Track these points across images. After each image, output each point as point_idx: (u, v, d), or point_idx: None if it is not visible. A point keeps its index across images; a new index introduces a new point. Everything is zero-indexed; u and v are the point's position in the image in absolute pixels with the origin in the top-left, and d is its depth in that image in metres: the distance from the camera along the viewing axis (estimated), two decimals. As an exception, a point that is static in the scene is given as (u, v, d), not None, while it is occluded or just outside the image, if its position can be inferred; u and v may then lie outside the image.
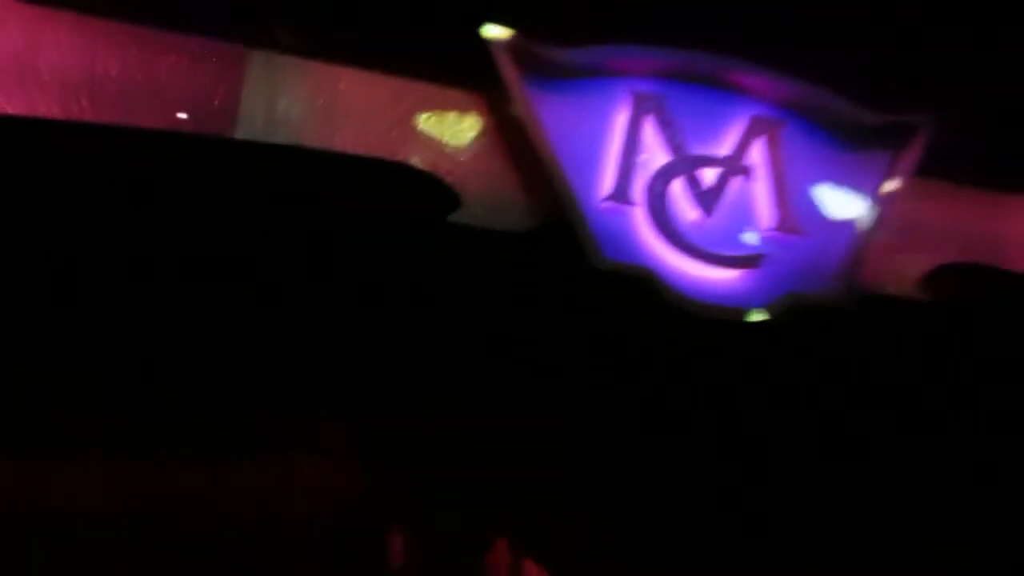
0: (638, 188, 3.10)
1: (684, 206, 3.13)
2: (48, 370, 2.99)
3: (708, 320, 3.08)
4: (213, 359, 3.13)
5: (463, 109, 3.12)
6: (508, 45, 3.03)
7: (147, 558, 3.09)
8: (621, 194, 3.09)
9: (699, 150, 3.15)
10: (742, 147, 3.17)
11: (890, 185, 3.20)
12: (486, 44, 3.03)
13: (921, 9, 3.15)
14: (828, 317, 3.14)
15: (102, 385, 3.02)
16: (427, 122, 3.10)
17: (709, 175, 3.16)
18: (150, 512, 3.13)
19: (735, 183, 3.17)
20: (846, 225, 3.20)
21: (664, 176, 3.12)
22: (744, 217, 3.17)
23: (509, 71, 3.03)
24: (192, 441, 3.11)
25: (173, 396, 3.09)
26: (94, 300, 2.99)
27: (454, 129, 3.10)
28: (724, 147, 3.17)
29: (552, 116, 3.07)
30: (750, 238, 3.16)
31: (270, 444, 3.19)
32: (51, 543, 2.97)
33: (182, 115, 2.87)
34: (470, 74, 3.11)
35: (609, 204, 3.08)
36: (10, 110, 2.57)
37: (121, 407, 3.04)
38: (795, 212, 3.18)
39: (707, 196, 3.15)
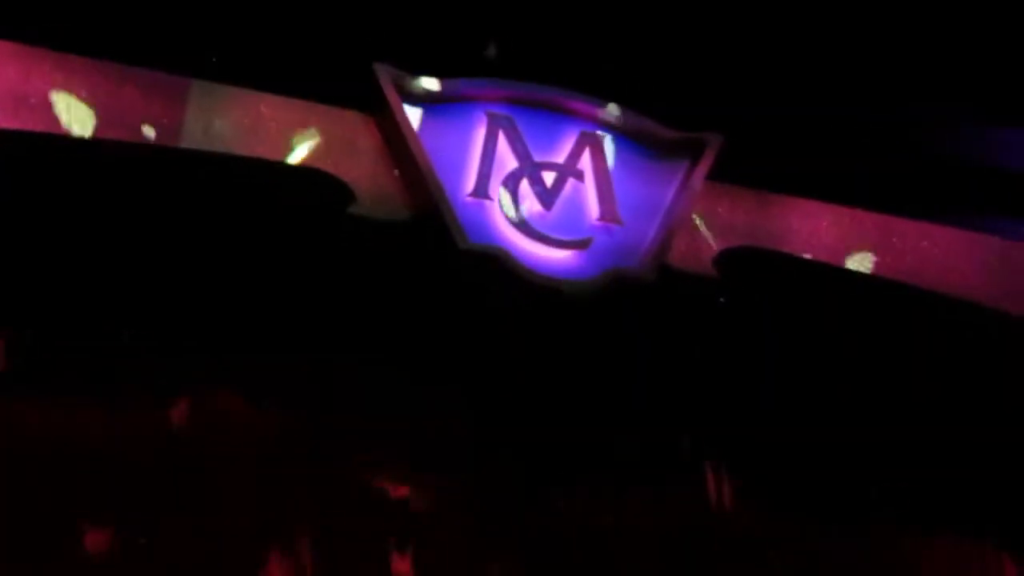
0: (494, 187, 4.04)
1: (529, 201, 4.06)
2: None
3: (548, 288, 4.02)
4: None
5: (358, 127, 4.05)
6: (392, 78, 3.96)
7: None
8: (481, 191, 4.03)
9: (541, 158, 4.09)
10: (574, 156, 4.11)
11: (689, 186, 4.18)
12: (376, 77, 3.96)
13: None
14: (640, 288, 4.09)
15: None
16: (330, 137, 4.01)
17: (549, 177, 4.08)
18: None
19: (569, 183, 4.09)
20: (654, 217, 4.16)
21: (514, 178, 4.05)
22: (576, 210, 4.09)
23: (393, 98, 3.96)
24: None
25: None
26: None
27: (350, 143, 4.02)
28: (560, 156, 4.11)
29: (426, 132, 3.99)
30: (580, 226, 4.10)
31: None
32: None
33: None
34: (364, 100, 4.04)
35: (471, 199, 4.01)
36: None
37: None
38: (615, 206, 4.12)
39: (547, 193, 4.06)
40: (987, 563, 4.62)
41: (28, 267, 3.57)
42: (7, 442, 3.64)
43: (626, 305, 4.08)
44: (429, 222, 3.95)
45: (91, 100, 3.67)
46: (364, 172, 3.99)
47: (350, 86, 3.99)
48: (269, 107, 3.97)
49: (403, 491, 4.07)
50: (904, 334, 4.18)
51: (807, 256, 4.23)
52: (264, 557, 3.64)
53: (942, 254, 4.39)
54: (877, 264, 4.30)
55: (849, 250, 4.28)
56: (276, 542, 3.68)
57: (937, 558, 4.63)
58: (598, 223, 4.10)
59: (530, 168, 4.07)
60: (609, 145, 4.16)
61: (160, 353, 3.73)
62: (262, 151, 3.93)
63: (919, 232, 4.42)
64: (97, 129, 3.68)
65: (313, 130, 3.91)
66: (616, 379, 4.17)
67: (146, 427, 3.89)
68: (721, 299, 4.21)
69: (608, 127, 4.13)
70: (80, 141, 3.76)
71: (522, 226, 4.03)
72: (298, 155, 3.91)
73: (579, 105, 4.12)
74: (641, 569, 4.07)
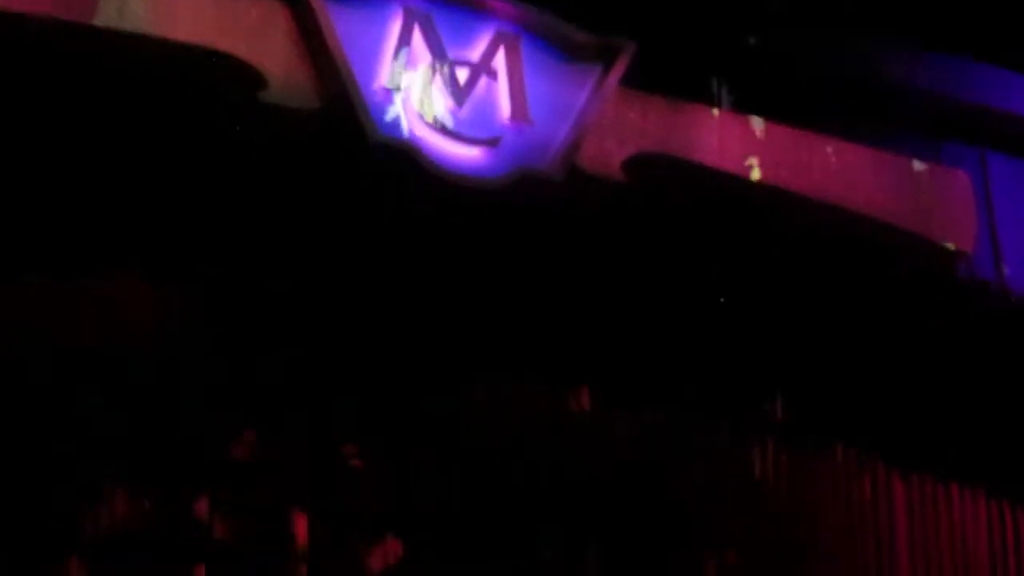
0: (406, 81, 4.09)
1: (441, 97, 4.12)
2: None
3: (456, 186, 4.10)
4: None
5: (274, 15, 4.05)
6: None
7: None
8: (393, 85, 4.07)
9: (455, 55, 4.13)
10: (488, 54, 4.13)
11: (601, 90, 4.23)
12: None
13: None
14: (549, 187, 4.18)
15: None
16: (244, 24, 4.02)
17: (462, 74, 4.12)
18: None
19: (482, 82, 4.13)
20: (566, 119, 4.22)
21: (426, 73, 4.10)
22: (487, 108, 4.13)
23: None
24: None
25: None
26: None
27: (263, 30, 4.03)
28: (475, 54, 4.15)
29: (342, 25, 3.99)
30: (491, 125, 4.16)
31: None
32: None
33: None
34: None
35: (382, 92, 4.06)
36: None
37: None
38: (527, 106, 4.18)
39: (460, 91, 4.11)
40: (877, 480, 4.87)
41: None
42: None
43: (533, 203, 4.18)
44: (339, 113, 3.99)
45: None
46: (277, 60, 4.00)
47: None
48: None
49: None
50: (802, 247, 4.32)
51: (713, 166, 4.32)
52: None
53: (850, 171, 4.49)
54: (783, 179, 4.39)
55: (756, 162, 4.37)
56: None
57: (827, 476, 4.86)
58: (509, 122, 4.17)
59: (444, 64, 4.11)
60: (524, 46, 4.19)
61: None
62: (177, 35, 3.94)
63: (830, 148, 4.51)
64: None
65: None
66: (521, 278, 4.30)
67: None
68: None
69: (526, 28, 4.15)
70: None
71: (432, 122, 4.09)
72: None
73: (497, 4, 4.14)
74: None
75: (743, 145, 4.38)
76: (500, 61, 4.17)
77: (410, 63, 4.09)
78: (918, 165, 4.59)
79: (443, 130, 4.10)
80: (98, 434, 3.90)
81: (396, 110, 4.07)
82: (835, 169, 4.42)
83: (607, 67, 4.23)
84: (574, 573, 4.49)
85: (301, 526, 4.11)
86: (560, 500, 4.43)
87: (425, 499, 4.36)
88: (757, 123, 4.40)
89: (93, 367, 3.91)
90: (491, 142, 4.15)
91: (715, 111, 4.39)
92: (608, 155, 4.27)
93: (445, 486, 4.38)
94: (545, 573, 4.46)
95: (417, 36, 4.09)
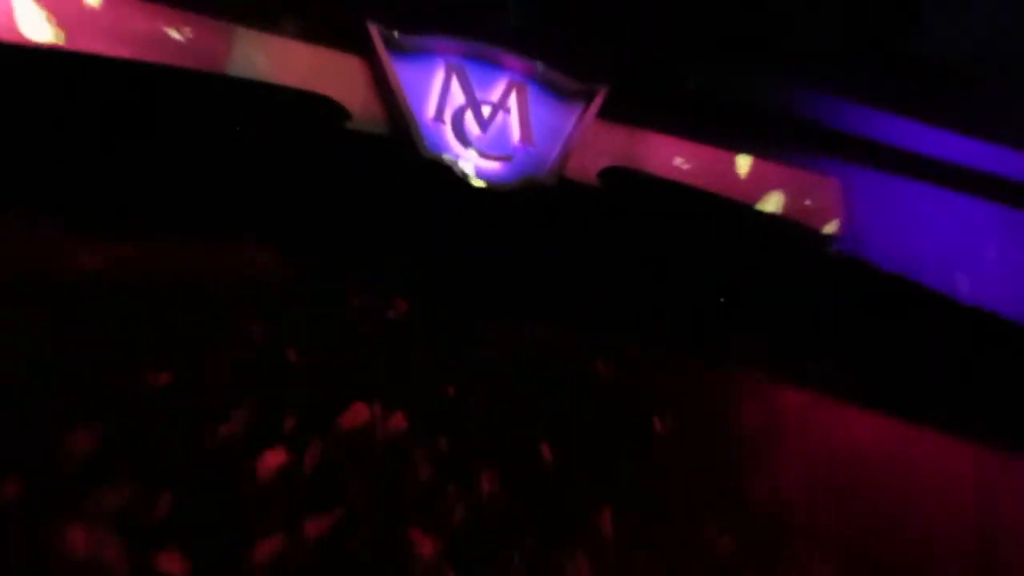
0: (447, 115, 5.82)
1: (471, 126, 5.86)
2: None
3: (481, 189, 5.85)
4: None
5: (355, 66, 5.74)
6: (380, 33, 5.67)
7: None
8: (438, 117, 5.80)
9: (480, 96, 5.89)
10: (504, 96, 5.88)
11: (583, 121, 6.02)
12: (368, 32, 5.66)
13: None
14: (546, 190, 5.95)
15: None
16: (336, 74, 5.70)
17: (486, 110, 5.88)
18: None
19: (499, 115, 5.88)
20: (558, 141, 6.00)
21: (461, 109, 5.84)
22: (503, 134, 5.89)
23: (380, 47, 5.67)
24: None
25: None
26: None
27: (351, 78, 5.72)
28: (494, 95, 5.91)
29: (402, 74, 5.70)
30: (505, 146, 5.92)
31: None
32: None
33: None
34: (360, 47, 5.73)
35: (432, 123, 5.79)
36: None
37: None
38: (531, 132, 5.95)
39: (484, 122, 5.86)
40: (764, 393, 6.76)
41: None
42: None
43: (535, 202, 5.95)
44: (401, 136, 5.70)
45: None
46: (357, 99, 5.70)
47: (352, 37, 5.69)
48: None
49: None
50: (721, 230, 6.20)
51: (660, 175, 6.16)
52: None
53: (753, 178, 6.36)
54: (708, 183, 6.25)
55: (688, 169, 6.22)
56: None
57: (716, 388, 6.71)
58: (519, 144, 5.92)
59: (473, 103, 5.85)
60: (530, 90, 5.96)
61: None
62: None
63: (739, 161, 6.38)
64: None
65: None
66: (525, 253, 6.08)
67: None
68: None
69: (530, 78, 5.93)
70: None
71: (465, 143, 5.83)
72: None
73: (512, 61, 5.90)
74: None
75: (680, 159, 6.23)
76: (512, 101, 5.91)
77: (450, 102, 5.82)
78: (802, 175, 6.49)
79: (473, 149, 5.84)
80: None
81: (440, 135, 5.80)
82: (742, 177, 6.31)
83: (587, 104, 6.01)
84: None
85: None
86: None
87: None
88: (687, 145, 6.24)
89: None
90: (505, 158, 5.89)
91: (664, 136, 6.22)
92: (587, 168, 6.06)
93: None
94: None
95: (455, 82, 5.82)
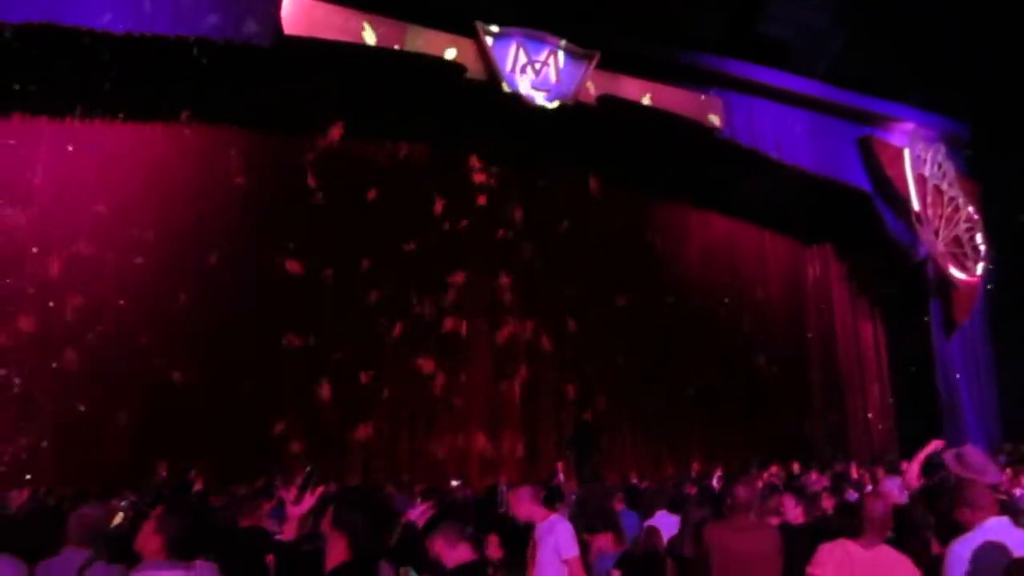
0: (517, 68, 10.99)
1: (530, 74, 11.05)
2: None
3: (536, 106, 11.10)
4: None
5: (463, 43, 10.83)
6: (480, 27, 10.79)
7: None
8: (512, 70, 10.97)
9: (534, 57, 11.08)
10: (547, 57, 11.13)
11: (588, 71, 11.30)
12: (475, 26, 10.76)
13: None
14: (570, 108, 11.24)
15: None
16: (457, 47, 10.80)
17: (537, 65, 11.06)
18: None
19: (544, 68, 11.11)
20: (575, 82, 11.28)
21: (524, 65, 11.02)
22: (547, 78, 11.12)
23: (481, 34, 10.78)
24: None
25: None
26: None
27: (464, 47, 10.83)
28: (542, 57, 11.11)
29: (493, 46, 10.86)
30: (548, 84, 11.14)
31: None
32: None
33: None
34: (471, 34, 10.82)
35: (508, 73, 10.94)
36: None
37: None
38: (561, 77, 11.20)
39: (536, 71, 11.06)
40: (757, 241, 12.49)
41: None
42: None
43: (567, 114, 11.22)
44: (493, 80, 10.86)
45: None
46: (470, 61, 10.80)
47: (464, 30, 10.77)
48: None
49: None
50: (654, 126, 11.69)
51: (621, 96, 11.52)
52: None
53: (667, 98, 11.87)
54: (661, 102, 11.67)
55: (649, 99, 11.60)
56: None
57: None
58: (554, 83, 11.15)
59: (531, 62, 11.04)
60: (561, 54, 11.17)
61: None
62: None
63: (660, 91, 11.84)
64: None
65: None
66: (561, 138, 11.40)
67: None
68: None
69: (560, 47, 11.14)
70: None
71: (526, 84, 11.05)
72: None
73: (549, 38, 11.09)
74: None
75: (639, 91, 11.58)
76: (551, 60, 11.14)
77: (517, 61, 11.01)
78: (703, 99, 11.99)
79: (530, 87, 11.07)
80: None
81: (513, 80, 11.00)
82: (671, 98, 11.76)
83: (590, 61, 11.27)
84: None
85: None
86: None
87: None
88: (644, 83, 11.62)
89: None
90: (548, 91, 11.14)
91: (630, 78, 11.56)
92: (591, 95, 11.36)
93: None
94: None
95: (520, 51, 11.00)
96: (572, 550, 4.14)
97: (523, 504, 4.40)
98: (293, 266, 10.69)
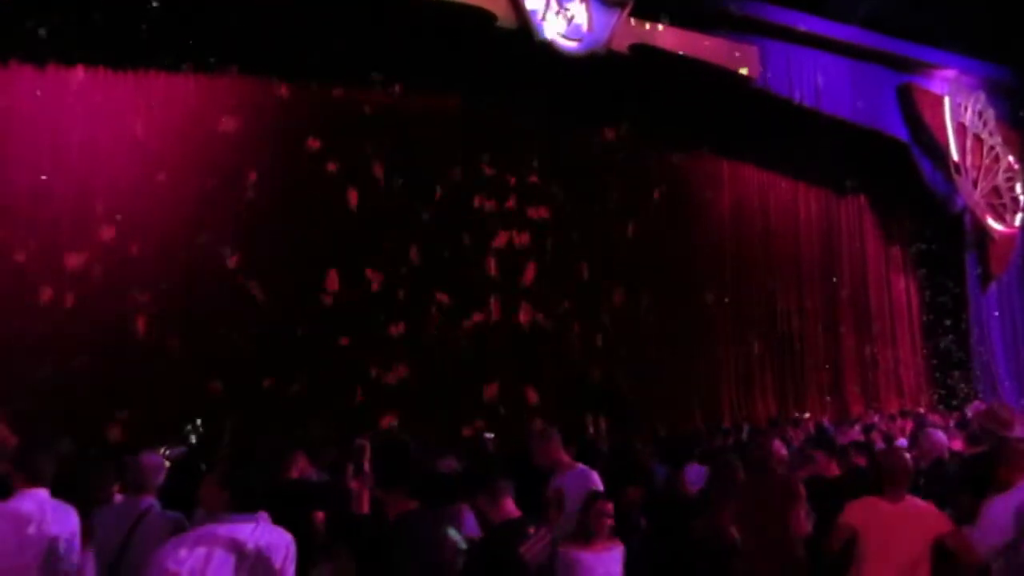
0: (549, 16, 10.83)
1: (562, 23, 10.89)
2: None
3: (569, 55, 10.95)
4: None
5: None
6: (513, -28, 10.62)
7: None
8: (543, 18, 10.82)
9: (565, 6, 10.93)
10: (579, 10, 10.97)
11: (620, 21, 11.12)
12: None
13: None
14: (598, 56, 11.08)
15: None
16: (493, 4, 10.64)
17: (568, 14, 10.94)
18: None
19: (576, 17, 10.95)
20: (607, 31, 11.11)
21: (555, 13, 10.87)
22: (579, 27, 10.95)
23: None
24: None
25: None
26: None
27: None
28: (575, 8, 10.97)
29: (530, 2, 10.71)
30: (580, 33, 10.99)
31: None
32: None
33: None
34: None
35: (539, 22, 10.79)
36: None
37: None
38: (594, 26, 11.03)
39: (568, 20, 10.91)
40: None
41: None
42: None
43: (596, 61, 11.07)
44: (524, 28, 10.71)
45: None
46: (502, 10, 10.65)
47: None
48: None
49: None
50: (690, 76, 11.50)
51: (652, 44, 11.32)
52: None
53: (698, 48, 11.65)
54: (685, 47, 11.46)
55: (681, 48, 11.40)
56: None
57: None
58: (586, 32, 10.98)
59: (563, 10, 10.87)
60: (593, 4, 10.98)
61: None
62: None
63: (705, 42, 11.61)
64: None
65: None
66: (591, 83, 11.26)
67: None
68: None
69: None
70: None
71: (558, 33, 10.90)
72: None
73: (582, -14, 10.93)
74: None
75: (674, 39, 11.38)
76: (583, 8, 10.95)
77: (551, 7, 10.84)
78: (738, 48, 11.75)
79: (562, 35, 10.92)
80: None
81: (546, 27, 10.84)
82: (706, 46, 11.53)
83: (623, 9, 11.08)
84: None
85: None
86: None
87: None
88: (678, 31, 11.41)
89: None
90: (579, 40, 10.98)
91: (662, 26, 11.35)
92: (622, 44, 11.19)
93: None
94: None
95: (553, 2, 10.83)
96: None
97: (551, 450, 4.43)
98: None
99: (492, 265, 11.71)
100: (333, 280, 10.38)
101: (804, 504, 4.18)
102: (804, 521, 4.13)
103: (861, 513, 3.55)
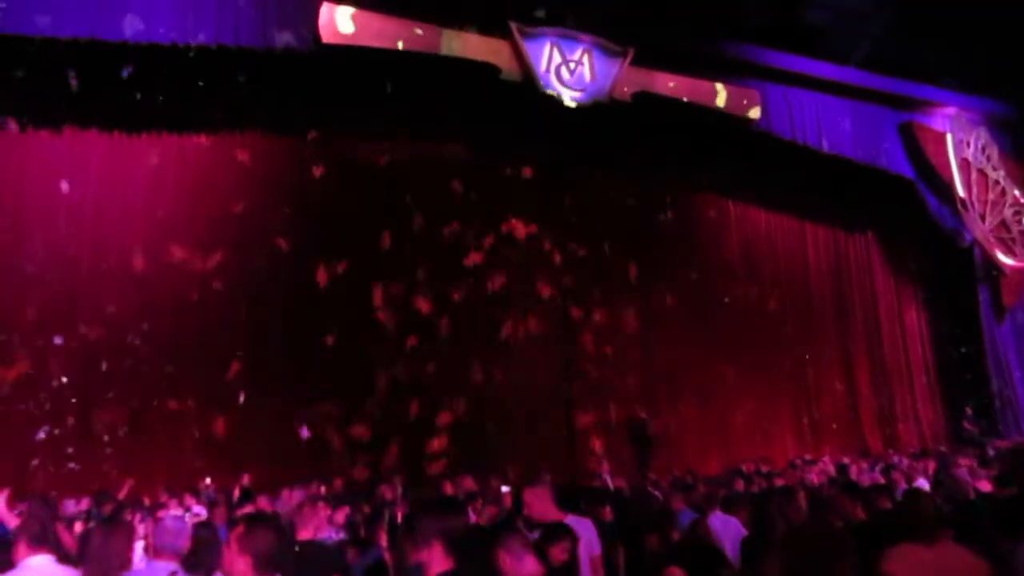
0: (552, 68, 11.00)
1: (565, 73, 11.05)
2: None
3: (571, 106, 11.08)
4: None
5: (501, 47, 10.85)
6: (516, 27, 10.80)
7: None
8: (547, 70, 10.99)
9: (568, 57, 11.08)
10: (581, 56, 11.12)
11: (622, 70, 11.27)
12: (510, 26, 10.77)
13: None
14: (601, 106, 11.21)
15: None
16: (494, 53, 10.80)
17: (572, 64, 11.08)
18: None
19: (579, 67, 11.09)
20: (609, 79, 11.26)
21: (559, 65, 11.02)
22: (581, 77, 11.08)
23: (516, 35, 10.78)
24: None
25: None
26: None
27: (500, 51, 10.84)
28: (576, 55, 11.10)
29: (528, 47, 10.88)
30: (583, 83, 11.12)
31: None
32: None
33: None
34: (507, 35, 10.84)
35: (544, 73, 10.95)
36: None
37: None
38: (596, 75, 11.18)
39: (571, 71, 11.07)
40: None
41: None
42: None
43: (598, 111, 11.20)
44: (529, 80, 10.86)
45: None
46: (505, 63, 10.81)
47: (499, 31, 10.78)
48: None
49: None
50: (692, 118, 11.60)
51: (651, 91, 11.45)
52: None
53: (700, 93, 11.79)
54: (684, 93, 11.59)
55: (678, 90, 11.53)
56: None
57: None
58: (589, 82, 11.13)
59: (564, 61, 11.03)
60: (594, 53, 11.15)
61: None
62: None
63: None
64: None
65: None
66: (591, 130, 11.37)
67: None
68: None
69: (594, 46, 11.12)
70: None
71: (561, 83, 11.03)
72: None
73: (584, 36, 11.08)
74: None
75: (674, 85, 11.53)
76: (586, 58, 11.12)
77: (552, 60, 11.01)
78: (737, 90, 11.89)
79: (565, 85, 11.06)
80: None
81: (548, 79, 11.00)
82: (710, 93, 11.67)
83: (624, 58, 11.24)
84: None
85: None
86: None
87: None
88: (677, 78, 11.55)
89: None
90: (583, 90, 11.13)
91: (663, 72, 11.50)
92: (625, 93, 11.33)
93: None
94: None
95: (555, 50, 10.99)
96: (599, 548, 4.31)
97: (541, 503, 4.39)
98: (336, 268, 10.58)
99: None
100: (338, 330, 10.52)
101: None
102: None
103: (901, 562, 3.49)
